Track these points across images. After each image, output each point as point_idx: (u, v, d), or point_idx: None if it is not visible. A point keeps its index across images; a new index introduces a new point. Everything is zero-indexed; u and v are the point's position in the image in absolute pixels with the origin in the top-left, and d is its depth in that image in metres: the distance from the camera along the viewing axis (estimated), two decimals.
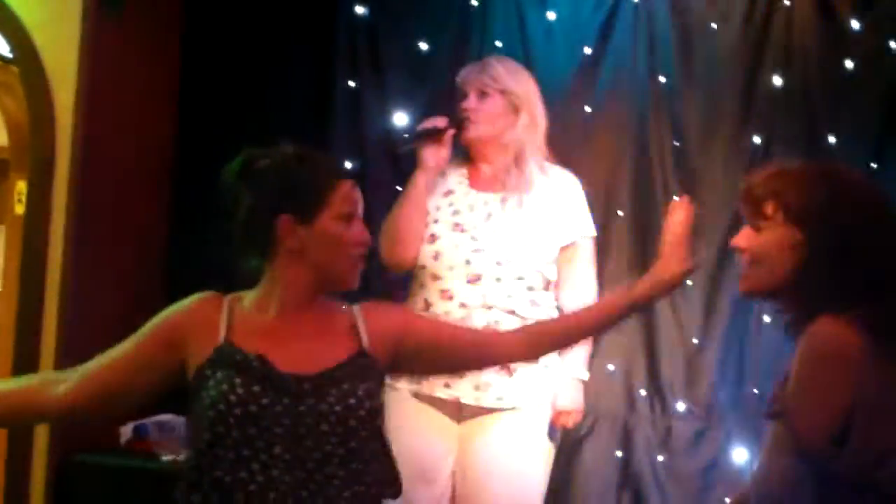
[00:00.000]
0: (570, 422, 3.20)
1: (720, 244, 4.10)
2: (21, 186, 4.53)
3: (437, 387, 2.97)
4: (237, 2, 4.50)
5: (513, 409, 3.03)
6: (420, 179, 3.04)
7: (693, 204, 2.32)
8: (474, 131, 3.08)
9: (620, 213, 4.17)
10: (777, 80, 4.14)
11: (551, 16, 4.29)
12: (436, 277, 2.99)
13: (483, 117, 3.07)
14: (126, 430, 4.02)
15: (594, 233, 3.19)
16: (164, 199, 4.50)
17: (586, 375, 3.19)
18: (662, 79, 4.20)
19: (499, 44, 4.30)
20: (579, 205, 3.18)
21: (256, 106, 4.44)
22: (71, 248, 3.95)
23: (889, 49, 4.12)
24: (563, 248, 3.12)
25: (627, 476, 4.03)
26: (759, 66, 4.16)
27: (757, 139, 4.14)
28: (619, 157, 4.20)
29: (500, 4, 4.32)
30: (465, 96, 3.11)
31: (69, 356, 3.89)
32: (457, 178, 3.11)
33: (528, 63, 4.24)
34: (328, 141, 4.35)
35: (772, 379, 3.96)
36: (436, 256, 3.00)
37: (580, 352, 3.17)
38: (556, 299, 3.15)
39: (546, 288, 3.12)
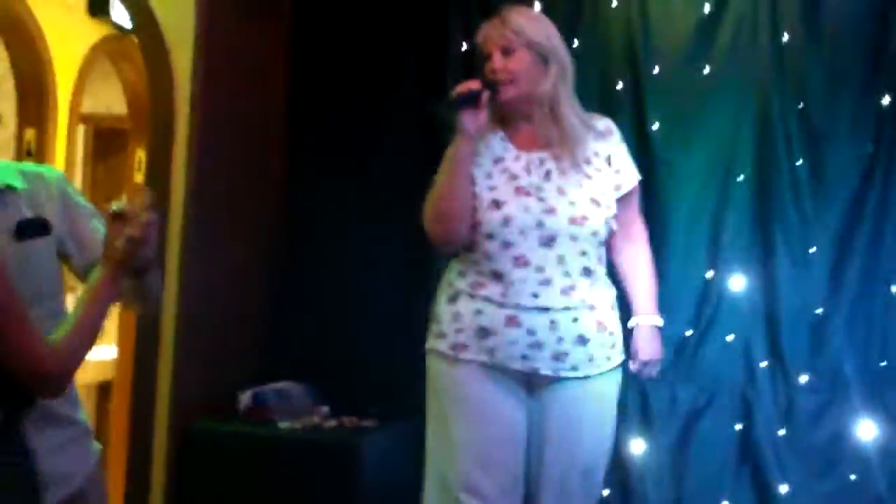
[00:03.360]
0: (654, 372, 3.11)
1: (846, 209, 3.98)
2: (140, 154, 4.62)
3: (514, 359, 2.87)
4: None
5: (586, 377, 2.93)
6: (464, 147, 2.87)
7: None
8: (509, 91, 2.90)
9: (741, 177, 4.04)
10: None
11: None
12: (507, 245, 2.86)
13: (514, 75, 2.90)
14: (245, 398, 4.07)
15: (640, 177, 3.07)
16: (279, 164, 4.53)
17: (661, 322, 3.09)
18: (785, 37, 4.05)
19: (614, 3, 4.20)
20: (626, 151, 3.05)
21: (370, 69, 4.42)
22: (190, 218, 3.99)
23: None
24: (620, 198, 2.99)
25: (747, 450, 3.94)
26: (889, 21, 3.96)
27: (886, 99, 3.96)
28: (740, 119, 4.06)
29: None
30: (489, 56, 2.94)
31: (189, 324, 3.96)
32: (500, 143, 2.97)
33: (644, 23, 4.17)
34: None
35: None
36: (506, 222, 2.85)
37: (650, 297, 3.07)
38: (614, 249, 3.03)
39: (609, 240, 3.03)
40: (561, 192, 2.88)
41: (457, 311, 2.91)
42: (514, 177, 2.91)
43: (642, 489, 3.99)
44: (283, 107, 4.54)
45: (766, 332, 3.98)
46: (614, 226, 2.98)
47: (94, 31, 5.71)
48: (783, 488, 3.90)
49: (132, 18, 4.13)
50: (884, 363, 3.88)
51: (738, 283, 4.02)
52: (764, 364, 3.98)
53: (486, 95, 2.86)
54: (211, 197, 4.07)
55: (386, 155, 4.39)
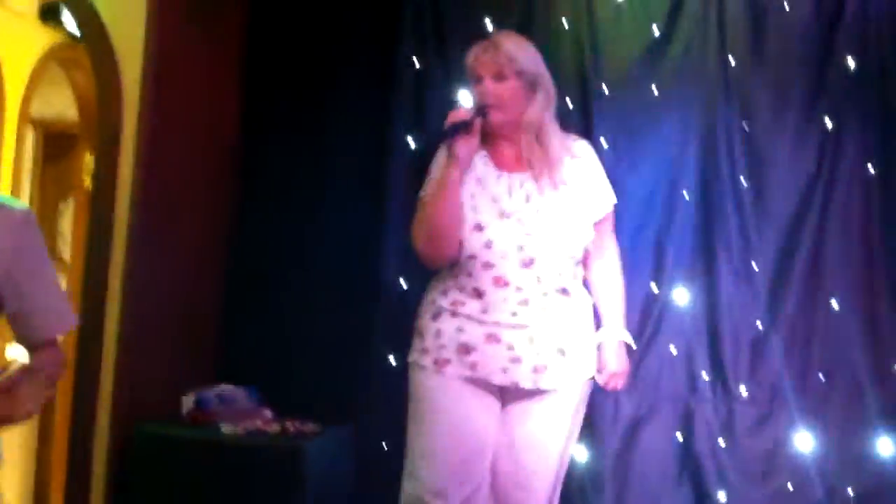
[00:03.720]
0: (620, 384, 3.21)
1: (788, 227, 4.06)
2: (89, 160, 4.59)
3: (494, 373, 2.99)
4: None
5: (563, 388, 3.05)
6: (453, 174, 2.98)
7: None
8: (499, 116, 3.02)
9: (686, 195, 4.11)
10: (851, 62, 4.04)
11: None
12: (488, 266, 2.97)
13: (504, 101, 3.02)
14: (187, 401, 4.05)
15: (615, 200, 3.18)
16: (230, 172, 4.52)
17: (630, 338, 3.20)
18: (732, 60, 4.13)
19: (565, 22, 4.26)
20: (601, 174, 3.17)
21: (321, 82, 4.44)
22: (136, 222, 3.96)
23: None
24: (596, 221, 3.11)
25: (687, 460, 3.99)
26: (832, 46, 4.06)
27: (829, 122, 4.05)
28: (686, 139, 4.14)
29: None
30: (479, 79, 3.05)
31: (133, 326, 3.93)
32: (481, 163, 3.07)
33: (594, 43, 4.23)
34: (391, 118, 4.34)
35: (839, 365, 3.96)
36: (487, 245, 2.97)
37: (619, 313, 3.18)
38: (587, 267, 3.14)
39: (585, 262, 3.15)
40: (540, 215, 2.98)
41: (439, 328, 3.02)
42: (495, 199, 3.01)
43: (583, 495, 4.02)
44: (235, 114, 4.54)
45: (708, 344, 4.05)
46: (590, 246, 3.08)
47: (45, 38, 5.68)
48: (722, 496, 3.95)
49: (80, 27, 4.11)
50: (822, 377, 3.96)
51: (681, 296, 4.09)
52: (705, 376, 4.03)
53: (478, 122, 2.96)
54: (157, 201, 4.05)
55: (337, 162, 4.41)
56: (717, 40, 4.14)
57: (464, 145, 2.97)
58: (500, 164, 3.07)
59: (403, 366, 4.00)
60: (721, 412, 3.99)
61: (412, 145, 4.32)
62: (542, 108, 3.06)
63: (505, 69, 3.01)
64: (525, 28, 4.21)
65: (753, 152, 4.10)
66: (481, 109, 2.99)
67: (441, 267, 3.06)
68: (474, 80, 3.05)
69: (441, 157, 3.10)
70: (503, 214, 2.99)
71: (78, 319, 2.29)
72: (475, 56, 3.06)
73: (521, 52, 3.06)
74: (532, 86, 3.04)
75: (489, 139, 3.08)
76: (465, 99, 4.24)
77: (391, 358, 4.18)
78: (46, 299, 2.24)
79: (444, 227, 2.97)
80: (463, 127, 2.96)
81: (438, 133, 3.99)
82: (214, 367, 4.35)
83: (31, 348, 2.29)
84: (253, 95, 4.55)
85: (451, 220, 2.97)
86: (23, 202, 2.31)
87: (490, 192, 3.02)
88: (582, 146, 3.17)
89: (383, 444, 4.13)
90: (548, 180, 3.01)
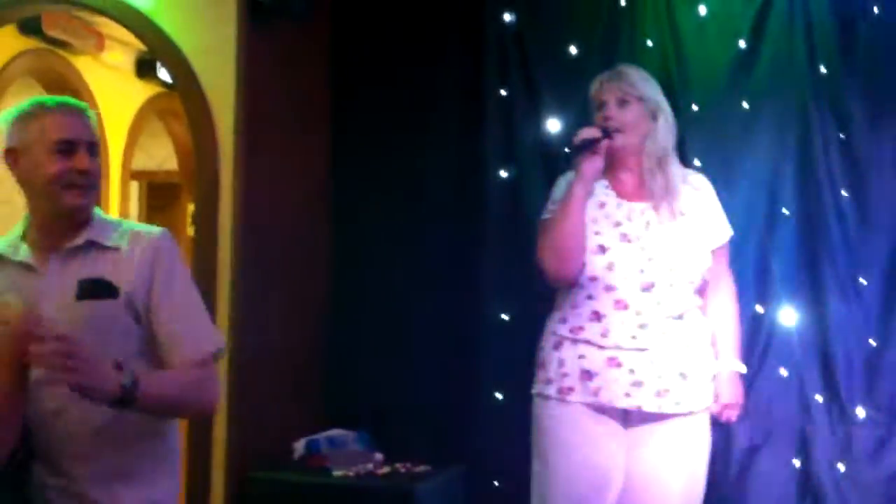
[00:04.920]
0: (734, 416, 3.24)
1: (894, 238, 3.95)
2: (192, 209, 4.69)
3: (618, 397, 3.00)
4: (384, 14, 4.53)
5: (689, 413, 3.06)
6: (579, 191, 3.07)
7: None
8: (622, 139, 3.11)
9: (786, 211, 4.02)
10: None
11: (702, 10, 4.17)
12: (609, 288, 3.02)
13: (626, 125, 3.11)
14: (299, 446, 4.11)
15: (731, 232, 3.26)
16: (325, 211, 4.58)
17: (745, 368, 3.25)
18: (823, 69, 4.04)
19: (649, 43, 4.22)
20: (718, 207, 3.24)
21: (409, 118, 4.47)
22: (238, 270, 4.04)
23: None
24: (712, 251, 3.17)
25: (806, 486, 3.89)
26: None
27: None
28: (781, 153, 4.05)
29: (648, 2, 4.22)
30: (603, 104, 3.15)
31: (242, 375, 4.01)
32: (602, 190, 3.15)
33: (680, 60, 4.17)
34: (482, 149, 4.35)
35: None
36: (609, 267, 3.02)
37: (733, 345, 3.22)
38: (702, 298, 3.19)
39: (701, 290, 3.17)
40: (660, 241, 3.05)
41: (561, 357, 3.08)
42: (617, 224, 3.09)
43: None
44: (326, 155, 4.60)
45: (819, 365, 3.94)
46: (706, 275, 3.14)
47: (142, 91, 5.84)
48: None
49: (173, 77, 4.22)
50: None
51: (788, 317, 3.99)
52: (819, 398, 3.93)
53: (604, 143, 3.05)
54: (259, 247, 4.13)
55: (430, 199, 4.42)
56: (806, 49, 4.05)
57: (589, 164, 3.06)
58: (620, 193, 3.14)
59: (510, 401, 4.06)
60: (838, 436, 3.87)
61: (503, 175, 4.32)
62: (663, 136, 3.15)
63: (628, 95, 3.12)
64: (609, 50, 4.20)
65: (853, 162, 4.00)
66: (605, 131, 3.07)
67: (565, 283, 3.10)
68: (598, 106, 3.16)
69: (562, 183, 3.19)
70: (625, 238, 3.05)
71: (221, 342, 2.29)
72: (600, 83, 3.19)
73: (643, 80, 3.19)
74: (653, 114, 3.14)
75: (610, 169, 3.16)
76: (553, 126, 4.25)
77: (497, 394, 4.18)
78: (176, 323, 2.24)
79: (569, 242, 3.04)
80: (589, 146, 3.05)
81: (528, 160, 4.06)
82: (323, 412, 4.41)
83: None
84: (341, 138, 4.60)
85: (576, 236, 3.04)
86: (160, 228, 2.37)
87: (612, 217, 3.09)
88: (699, 179, 3.25)
89: (495, 482, 4.13)
90: (667, 210, 3.09)
